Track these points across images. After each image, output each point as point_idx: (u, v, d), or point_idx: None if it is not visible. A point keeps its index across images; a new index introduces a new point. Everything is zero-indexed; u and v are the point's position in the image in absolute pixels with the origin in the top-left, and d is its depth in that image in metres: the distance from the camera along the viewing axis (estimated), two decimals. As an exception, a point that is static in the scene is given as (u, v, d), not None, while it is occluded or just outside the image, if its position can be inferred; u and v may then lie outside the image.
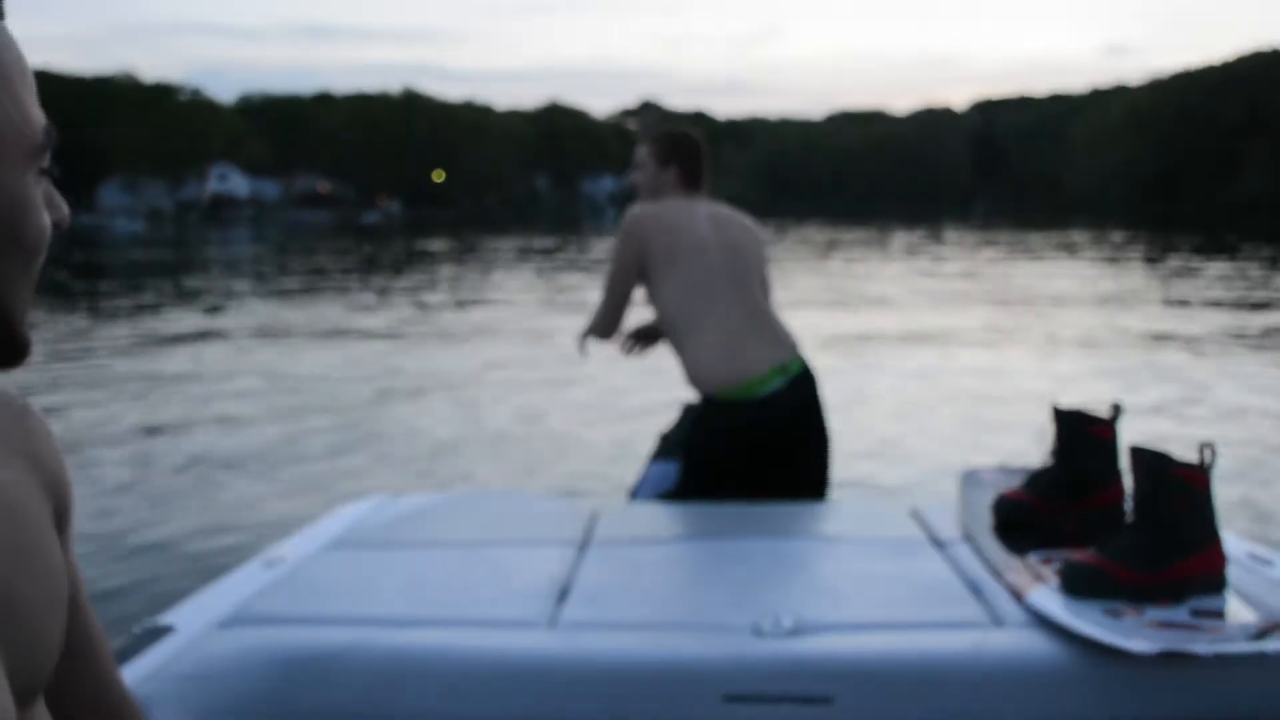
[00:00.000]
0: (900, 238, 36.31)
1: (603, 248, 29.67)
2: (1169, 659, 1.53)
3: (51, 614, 0.73)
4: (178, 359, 10.48)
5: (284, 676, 1.57)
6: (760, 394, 2.68)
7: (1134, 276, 19.48)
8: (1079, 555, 1.80)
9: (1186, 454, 1.74)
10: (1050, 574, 1.82)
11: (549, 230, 48.30)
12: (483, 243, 37.27)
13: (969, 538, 2.12)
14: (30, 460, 0.78)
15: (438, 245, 36.77)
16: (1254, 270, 20.06)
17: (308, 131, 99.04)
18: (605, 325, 2.91)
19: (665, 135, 3.01)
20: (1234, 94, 69.49)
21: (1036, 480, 2.10)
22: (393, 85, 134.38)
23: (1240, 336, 11.20)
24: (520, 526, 2.32)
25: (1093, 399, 2.28)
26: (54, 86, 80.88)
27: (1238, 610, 1.70)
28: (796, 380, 2.75)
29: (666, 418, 3.06)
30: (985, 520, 2.14)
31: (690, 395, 2.90)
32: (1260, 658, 1.55)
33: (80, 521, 4.97)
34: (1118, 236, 33.85)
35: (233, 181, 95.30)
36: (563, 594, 1.87)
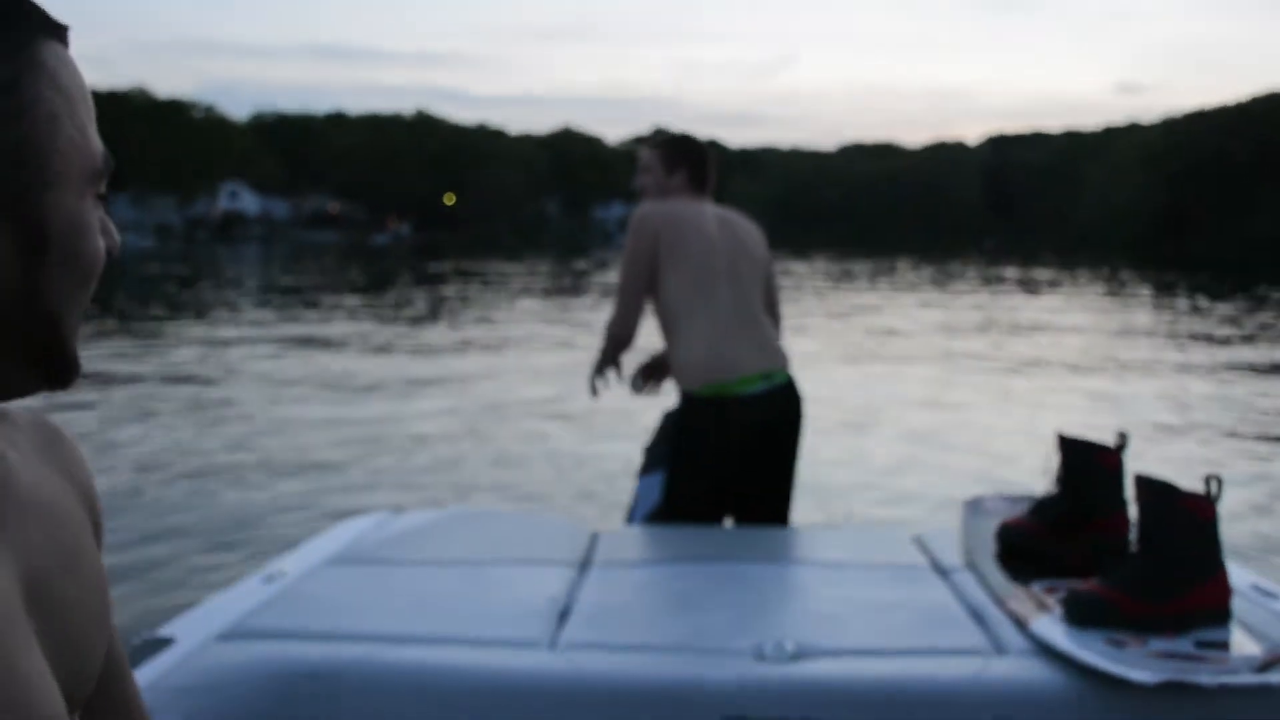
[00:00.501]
0: (910, 271, 36.30)
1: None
2: (1172, 690, 1.51)
3: (97, 623, 0.76)
4: (182, 370, 10.46)
5: (282, 691, 1.56)
6: (741, 393, 2.68)
7: (1143, 313, 19.55)
8: (1082, 584, 1.78)
9: (1192, 484, 1.72)
10: (1054, 603, 1.80)
11: (561, 255, 48.30)
12: (491, 268, 37.25)
13: (972, 565, 2.10)
14: (69, 478, 0.80)
15: (445, 268, 36.81)
16: (1266, 311, 19.82)
17: (319, 151, 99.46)
18: (624, 325, 2.87)
19: (671, 139, 3.02)
20: (1247, 135, 69.41)
21: (1041, 508, 2.08)
22: (406, 107, 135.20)
23: (1250, 371, 11.15)
24: (521, 546, 2.30)
25: (1099, 429, 2.28)
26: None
27: (1242, 642, 1.68)
28: (779, 390, 2.75)
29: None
30: (989, 548, 2.12)
31: (669, 403, 2.90)
32: (1264, 690, 1.53)
33: None
34: (1127, 274, 33.82)
35: (243, 199, 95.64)
36: (563, 614, 1.86)
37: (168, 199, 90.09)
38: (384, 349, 12.74)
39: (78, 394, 8.74)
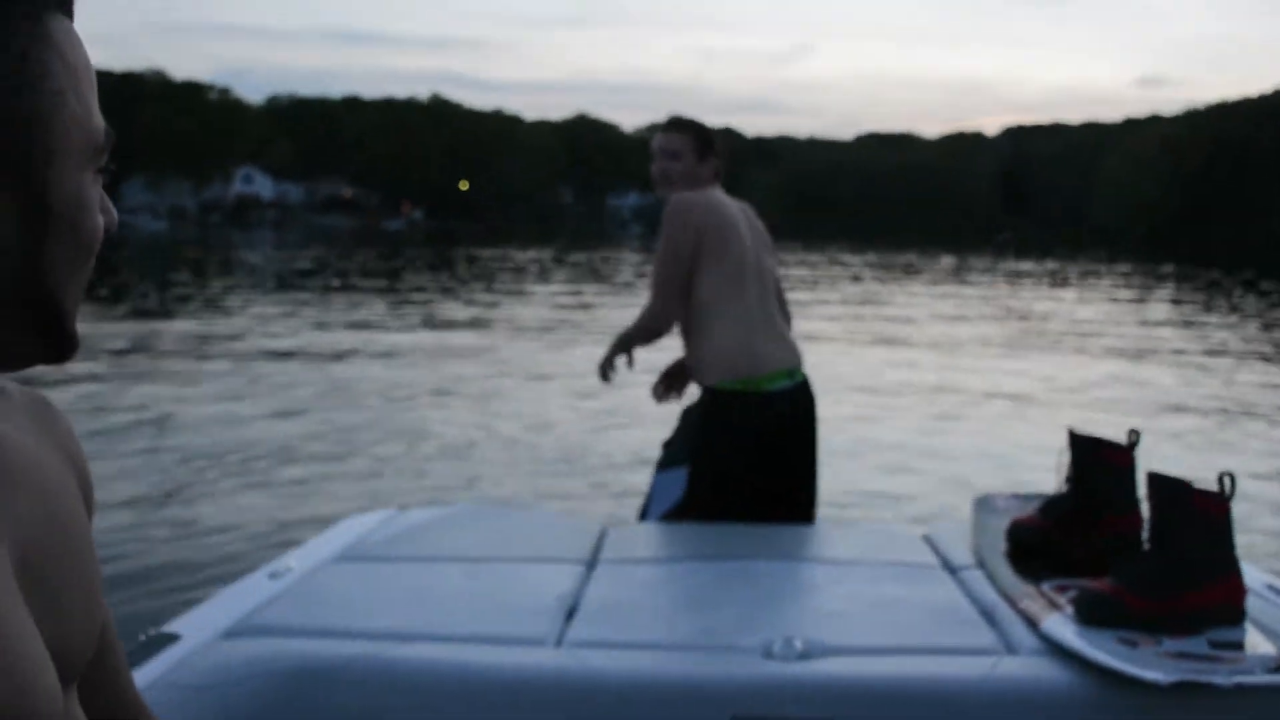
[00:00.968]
0: (927, 262, 36.11)
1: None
2: (1185, 690, 1.49)
3: (89, 595, 0.76)
4: (192, 358, 10.48)
5: (287, 688, 1.56)
6: (767, 390, 2.68)
7: (1160, 308, 19.40)
8: (1094, 583, 1.76)
9: (1206, 482, 1.70)
10: (1065, 602, 1.78)
11: (576, 244, 48.42)
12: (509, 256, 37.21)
13: (982, 563, 2.08)
14: (62, 451, 0.81)
15: (459, 254, 36.85)
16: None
17: (334, 136, 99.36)
18: (662, 320, 2.80)
19: (701, 127, 2.97)
20: (1270, 127, 68.58)
21: (1051, 506, 2.06)
22: (421, 92, 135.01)
23: (1271, 367, 11.10)
24: (528, 543, 2.28)
25: (1114, 426, 2.24)
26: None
27: (1256, 642, 1.66)
28: (800, 389, 2.76)
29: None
30: (999, 546, 2.10)
31: (688, 399, 2.89)
32: (1278, 690, 1.51)
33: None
34: (1146, 269, 33.55)
35: (257, 183, 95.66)
36: (570, 612, 1.85)
37: (183, 182, 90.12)
38: (393, 339, 12.74)
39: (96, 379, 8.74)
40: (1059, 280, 27.15)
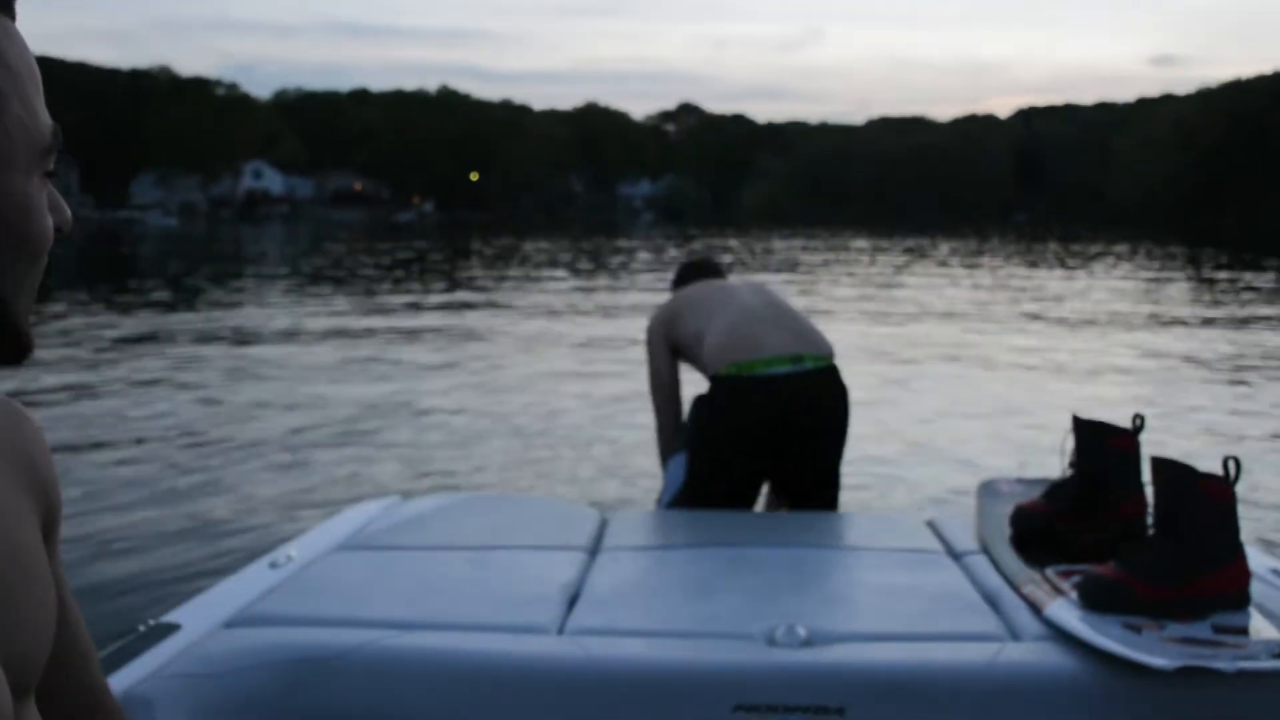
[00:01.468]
0: (942, 247, 35.91)
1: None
2: (1190, 675, 1.49)
3: (41, 608, 0.75)
4: (197, 350, 10.42)
5: (288, 677, 1.55)
6: (761, 373, 2.64)
7: (1175, 291, 19.18)
8: (1099, 569, 1.75)
9: (1211, 467, 1.69)
10: (1069, 587, 1.77)
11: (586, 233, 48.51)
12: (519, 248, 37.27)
13: (986, 549, 2.07)
14: (20, 464, 0.79)
15: (473, 245, 37.00)
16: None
17: (343, 129, 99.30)
18: (666, 417, 3.04)
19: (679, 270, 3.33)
20: (1286, 106, 67.70)
21: (1056, 492, 2.05)
22: (430, 84, 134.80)
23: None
24: (530, 531, 2.27)
25: (1120, 410, 2.22)
26: (89, 79, 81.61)
27: (1261, 627, 1.65)
28: (809, 374, 2.68)
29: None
30: (1003, 532, 2.09)
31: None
32: None
33: (85, 516, 4.61)
34: (1161, 250, 33.30)
35: (267, 178, 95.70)
36: (573, 600, 1.85)
37: (191, 179, 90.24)
38: (398, 329, 12.66)
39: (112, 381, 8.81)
40: (1075, 261, 27.09)
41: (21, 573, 0.74)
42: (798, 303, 2.99)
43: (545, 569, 1.99)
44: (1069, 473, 2.06)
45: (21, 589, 0.73)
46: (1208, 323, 13.45)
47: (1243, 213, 64.31)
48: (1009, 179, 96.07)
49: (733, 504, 2.66)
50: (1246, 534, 1.74)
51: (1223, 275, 22.13)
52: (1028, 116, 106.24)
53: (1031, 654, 1.62)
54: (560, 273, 23.59)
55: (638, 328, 13.56)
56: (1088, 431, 2.02)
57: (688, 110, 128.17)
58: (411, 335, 12.08)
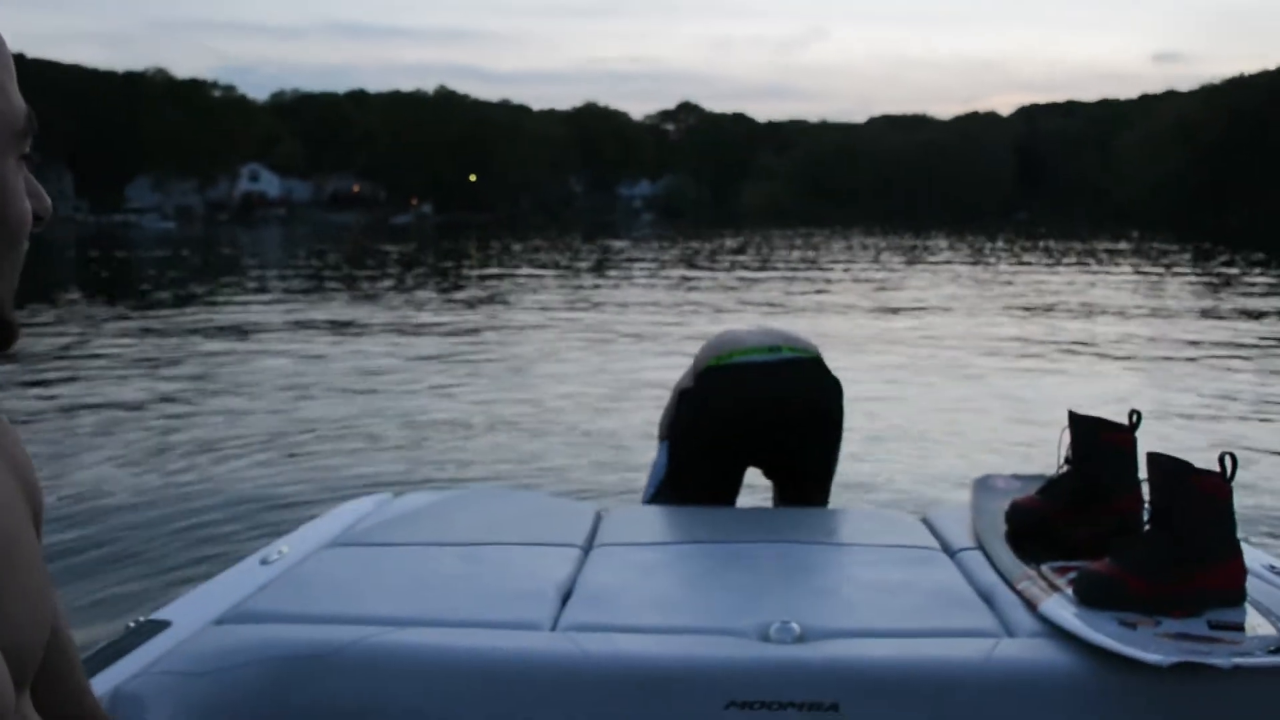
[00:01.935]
0: (943, 245, 35.91)
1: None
2: (1185, 671, 1.49)
3: (38, 603, 0.76)
4: (199, 349, 10.50)
5: (279, 674, 1.54)
6: (738, 361, 2.65)
7: (1176, 287, 19.22)
8: (1094, 565, 1.74)
9: (1208, 462, 1.69)
10: (1064, 584, 1.77)
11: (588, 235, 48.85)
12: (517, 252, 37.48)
13: (981, 545, 2.07)
14: (9, 464, 0.80)
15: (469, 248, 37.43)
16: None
17: (340, 131, 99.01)
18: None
19: None
20: (1289, 102, 67.30)
21: (1051, 488, 2.06)
22: (428, 85, 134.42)
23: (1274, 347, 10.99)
24: (523, 526, 2.26)
25: (1118, 406, 2.15)
26: (84, 81, 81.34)
27: (1257, 623, 1.65)
28: (786, 362, 2.66)
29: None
30: (998, 528, 2.10)
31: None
32: (1279, 671, 1.51)
33: (76, 514, 4.61)
34: (1163, 247, 33.19)
35: (264, 181, 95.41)
36: (566, 596, 1.84)
37: (188, 181, 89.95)
38: (394, 327, 12.62)
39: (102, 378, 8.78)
40: (1076, 259, 27.12)
41: (18, 565, 0.74)
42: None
43: (538, 565, 1.98)
44: (1065, 469, 2.05)
45: (18, 581, 0.74)
46: (1208, 320, 13.43)
47: (1246, 210, 63.86)
48: (1011, 177, 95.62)
49: (713, 493, 2.66)
50: (1244, 530, 1.74)
51: (1225, 273, 22.17)
52: (1029, 114, 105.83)
53: (1026, 650, 1.61)
54: (555, 271, 23.99)
55: (631, 324, 13.37)
56: (1084, 427, 2.01)
57: (687, 109, 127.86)
58: (405, 332, 12.10)
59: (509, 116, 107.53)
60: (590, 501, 2.90)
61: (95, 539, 4.36)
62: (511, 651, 1.59)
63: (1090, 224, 58.92)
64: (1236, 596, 1.70)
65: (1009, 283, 19.82)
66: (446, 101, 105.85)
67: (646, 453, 3.11)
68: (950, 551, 2.10)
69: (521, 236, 46.98)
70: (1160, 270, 23.26)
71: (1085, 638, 1.57)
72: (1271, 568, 1.90)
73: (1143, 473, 1.78)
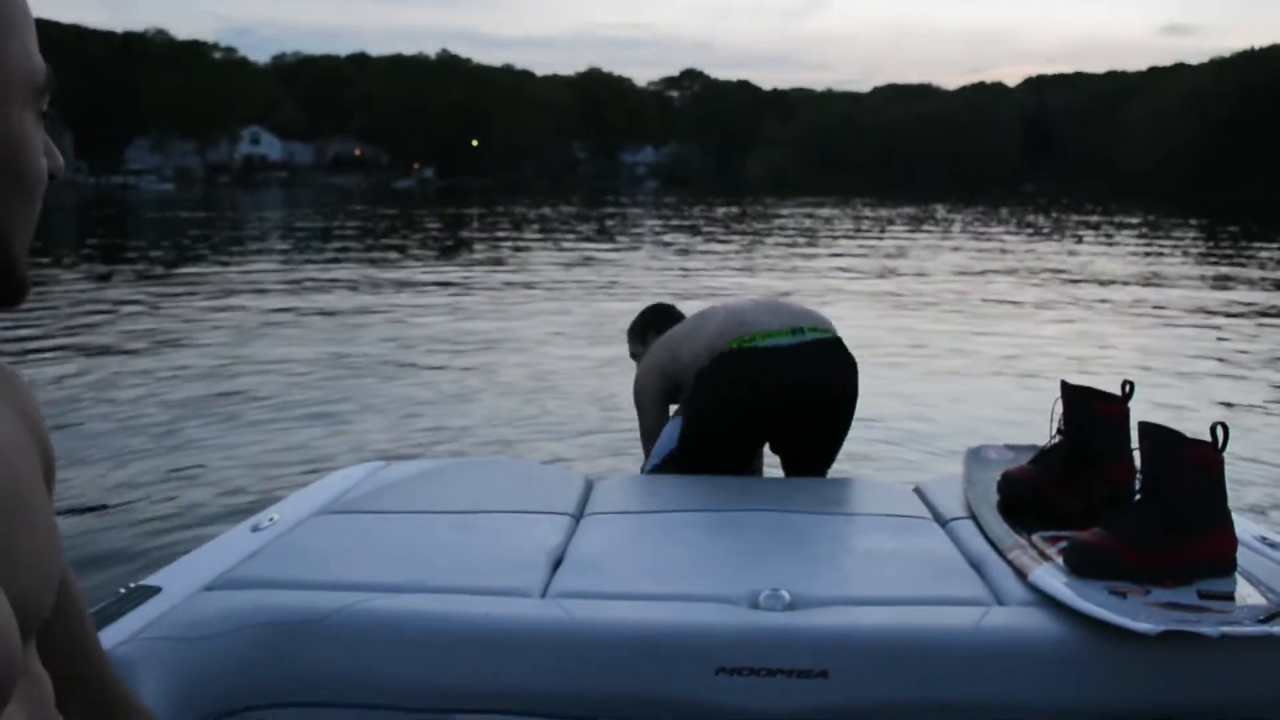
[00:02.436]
0: (949, 216, 35.84)
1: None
2: (1174, 640, 1.49)
3: (45, 553, 0.77)
4: (192, 312, 10.47)
5: (269, 640, 1.54)
6: (760, 344, 2.60)
7: (1179, 260, 19.09)
8: (1085, 534, 1.74)
9: (1200, 433, 1.68)
10: (1055, 553, 1.77)
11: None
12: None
13: (973, 515, 2.07)
14: (23, 419, 0.81)
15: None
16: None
17: (342, 94, 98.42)
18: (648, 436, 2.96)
19: (635, 324, 3.24)
20: (1299, 75, 66.76)
21: (1043, 458, 2.06)
22: (430, 48, 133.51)
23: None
24: (515, 494, 2.27)
25: (1112, 377, 2.25)
26: (84, 42, 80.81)
27: (1246, 593, 1.65)
28: (811, 344, 2.62)
29: None
30: (990, 498, 2.10)
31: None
32: (1268, 640, 1.51)
33: (67, 479, 4.57)
34: (1170, 220, 33.06)
35: (264, 144, 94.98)
36: (556, 563, 1.84)
37: (188, 144, 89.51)
38: (395, 291, 12.61)
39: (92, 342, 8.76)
40: (1082, 232, 27.06)
41: (27, 512, 0.74)
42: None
43: (529, 533, 1.98)
44: (1057, 439, 2.05)
45: (27, 527, 0.74)
46: (1208, 292, 13.34)
47: (1255, 185, 63.42)
48: (1017, 148, 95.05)
49: (721, 474, 2.62)
50: (1234, 501, 1.73)
51: (1230, 246, 22.17)
52: (1036, 85, 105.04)
53: (1016, 618, 1.62)
54: (556, 237, 23.62)
55: (632, 291, 13.30)
56: (1076, 397, 2.01)
57: (691, 76, 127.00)
58: (402, 298, 12.04)
59: (512, 81, 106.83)
60: (582, 470, 2.90)
61: (85, 502, 4.36)
62: (501, 618, 1.59)
63: (1097, 197, 58.73)
64: (1227, 566, 1.70)
65: (1011, 253, 19.77)
66: (449, 65, 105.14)
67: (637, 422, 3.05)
68: (942, 521, 2.10)
69: (523, 201, 46.83)
70: (1164, 243, 23.19)
71: (1075, 606, 1.56)
72: (1262, 538, 1.90)
73: (1135, 443, 1.78)
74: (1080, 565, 1.68)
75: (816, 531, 2.06)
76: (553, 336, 9.10)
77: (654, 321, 3.14)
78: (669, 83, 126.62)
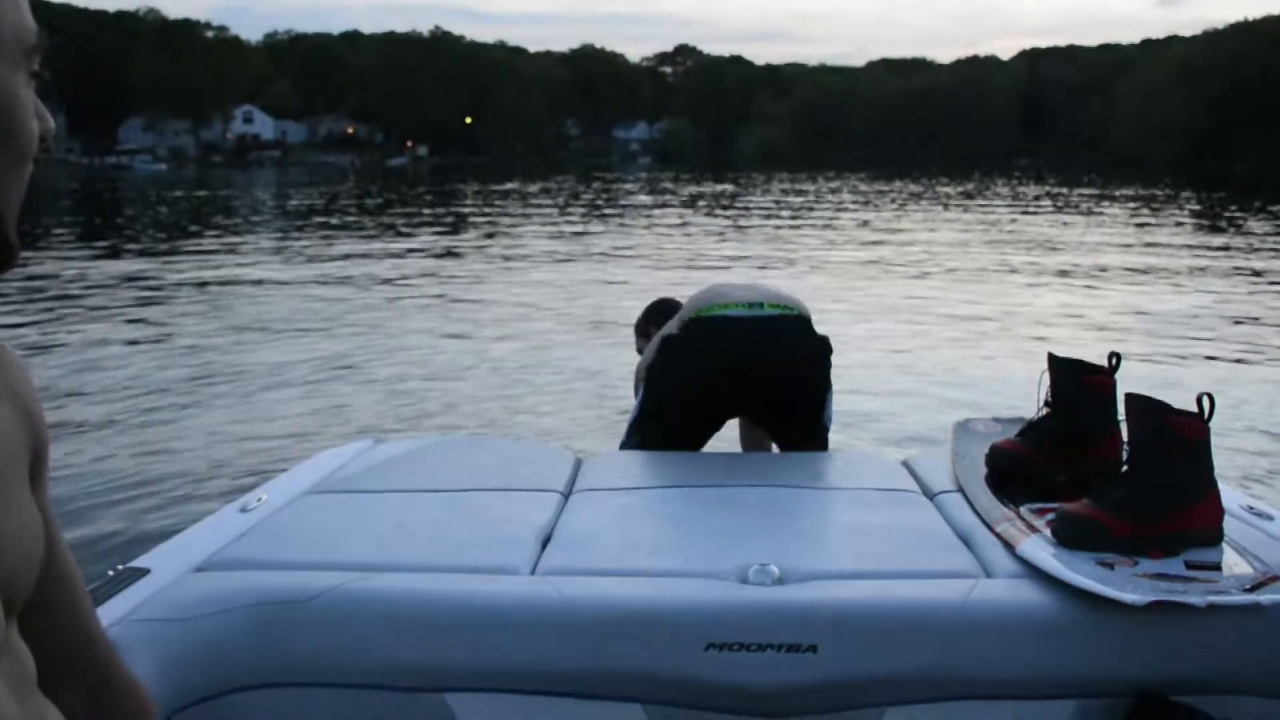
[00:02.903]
0: (942, 191, 35.74)
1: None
2: (1162, 610, 1.50)
3: (26, 531, 0.77)
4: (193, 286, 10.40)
5: (258, 620, 1.54)
6: (719, 314, 2.64)
7: (1171, 232, 19.09)
8: (1072, 506, 1.75)
9: (1186, 404, 1.69)
10: (1043, 525, 1.78)
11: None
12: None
13: (961, 488, 2.07)
14: (11, 398, 0.80)
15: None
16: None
17: (335, 72, 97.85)
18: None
19: (640, 319, 3.28)
20: (1294, 46, 66.58)
21: (1031, 430, 2.07)
22: (423, 26, 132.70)
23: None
24: (504, 472, 2.26)
25: (1100, 348, 2.24)
26: (75, 21, 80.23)
27: (1233, 563, 1.66)
28: (768, 318, 2.65)
29: None
30: (978, 471, 2.10)
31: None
32: (1254, 609, 1.52)
33: (55, 461, 4.56)
34: (1165, 193, 33.00)
35: (258, 123, 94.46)
36: (545, 540, 1.84)
37: (181, 123, 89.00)
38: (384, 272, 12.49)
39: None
40: (1076, 207, 27.03)
41: (3, 492, 0.74)
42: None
43: (518, 510, 1.97)
44: (1044, 411, 2.05)
45: (3, 506, 0.74)
46: (1198, 264, 13.31)
47: (1251, 156, 63.34)
48: (1012, 122, 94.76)
49: (680, 440, 2.64)
50: (1220, 471, 1.74)
51: (1224, 220, 22.22)
52: (1031, 59, 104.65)
53: (1004, 591, 1.62)
54: (546, 213, 23.90)
55: (622, 269, 13.25)
56: (1063, 369, 2.01)
57: (685, 52, 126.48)
58: (391, 274, 11.99)
59: (505, 58, 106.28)
60: (571, 447, 2.90)
61: (72, 483, 4.34)
62: (490, 596, 1.59)
63: (1092, 170, 58.65)
64: (1214, 536, 1.70)
65: (1002, 226, 19.72)
66: (442, 43, 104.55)
67: (629, 398, 3.11)
68: (930, 494, 2.10)
69: (516, 178, 46.67)
70: (1155, 216, 23.13)
71: (1063, 578, 1.57)
72: (1249, 508, 1.91)
73: (1122, 415, 1.77)
74: (1068, 537, 1.68)
75: (805, 506, 2.06)
76: (541, 313, 9.09)
77: (655, 316, 3.19)
78: (662, 58, 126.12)
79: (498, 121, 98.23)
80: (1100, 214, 23.51)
